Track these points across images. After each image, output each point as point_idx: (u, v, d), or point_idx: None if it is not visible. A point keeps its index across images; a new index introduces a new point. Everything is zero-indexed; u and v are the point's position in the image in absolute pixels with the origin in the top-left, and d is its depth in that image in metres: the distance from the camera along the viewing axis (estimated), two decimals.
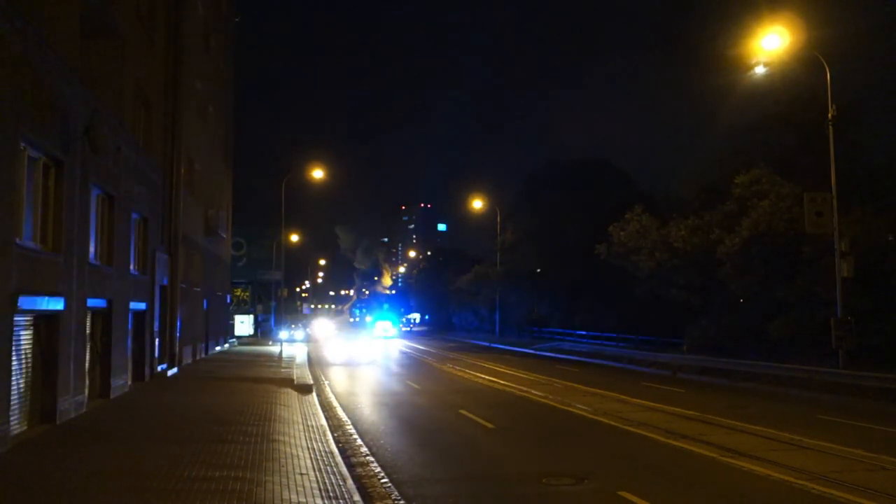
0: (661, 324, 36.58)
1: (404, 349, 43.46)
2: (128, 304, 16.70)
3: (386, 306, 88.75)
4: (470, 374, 25.80)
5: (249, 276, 53.37)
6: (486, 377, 24.25)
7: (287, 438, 11.36)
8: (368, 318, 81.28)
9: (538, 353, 39.40)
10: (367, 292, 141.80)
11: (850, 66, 26.55)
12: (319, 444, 11.33)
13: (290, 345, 41.00)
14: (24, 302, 10.13)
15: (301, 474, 8.95)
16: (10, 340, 9.85)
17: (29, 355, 10.90)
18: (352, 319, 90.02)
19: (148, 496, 7.57)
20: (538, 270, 52.82)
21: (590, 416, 15.20)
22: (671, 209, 36.05)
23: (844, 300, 22.16)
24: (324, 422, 13.68)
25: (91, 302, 13.58)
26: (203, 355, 29.29)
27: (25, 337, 10.72)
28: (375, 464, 10.41)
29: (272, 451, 10.20)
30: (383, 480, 9.36)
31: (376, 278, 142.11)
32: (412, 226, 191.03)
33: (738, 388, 21.98)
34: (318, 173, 40.21)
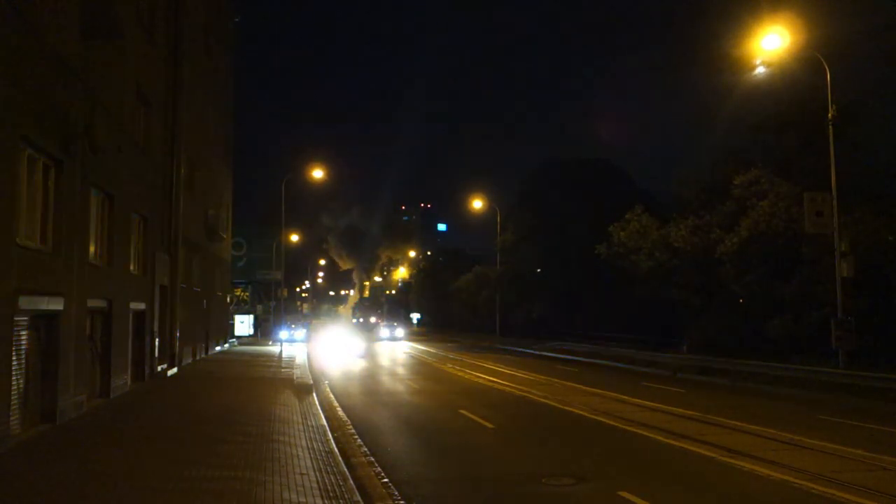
0: (661, 324, 36.60)
1: (404, 349, 43.46)
2: (128, 304, 16.70)
3: (386, 306, 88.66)
4: (470, 374, 25.80)
5: (249, 276, 53.34)
6: (486, 377, 24.25)
7: (287, 438, 11.36)
8: (372, 319, 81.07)
9: (538, 353, 39.39)
10: (367, 293, 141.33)
11: (850, 66, 26.53)
12: (319, 444, 11.33)
13: (290, 345, 40.99)
14: (24, 302, 10.13)
15: (301, 474, 8.95)
16: (10, 340, 9.85)
17: (29, 355, 10.90)
18: (354, 320, 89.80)
19: (148, 496, 7.58)
20: (538, 270, 52.82)
21: (590, 416, 15.20)
22: (671, 209, 36.07)
23: (844, 300, 22.16)
24: (324, 422, 13.68)
25: (91, 302, 13.58)
26: (203, 355, 29.28)
27: (25, 337, 10.72)
28: (375, 464, 10.41)
29: (272, 451, 10.20)
30: (383, 480, 9.36)
31: (378, 278, 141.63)
32: (412, 225, 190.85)
33: (738, 388, 21.97)
34: (318, 173, 40.22)
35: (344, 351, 39.62)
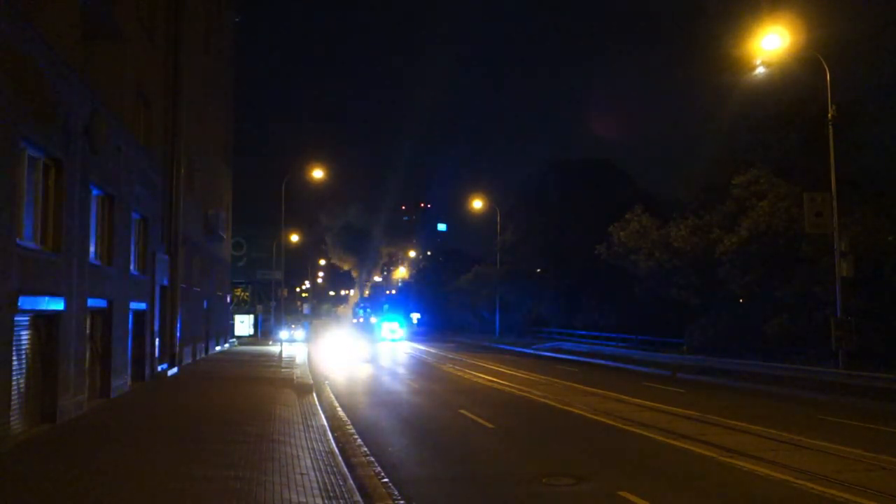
0: (661, 324, 36.60)
1: (405, 349, 43.46)
2: (128, 304, 16.70)
3: (386, 306, 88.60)
4: (470, 374, 25.80)
5: (249, 276, 53.40)
6: (486, 377, 24.25)
7: (287, 438, 11.36)
8: (373, 319, 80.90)
9: (538, 353, 39.39)
10: (367, 293, 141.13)
11: (850, 66, 26.56)
12: (319, 443, 11.33)
13: (290, 345, 41.00)
14: (24, 302, 10.14)
15: (301, 474, 8.95)
16: (11, 340, 9.85)
17: (29, 355, 10.90)
18: (355, 320, 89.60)
19: (148, 496, 7.58)
20: (538, 270, 52.84)
21: (590, 416, 15.20)
22: (671, 209, 36.12)
23: (844, 300, 22.17)
24: (324, 422, 13.68)
25: (91, 302, 13.59)
26: (203, 355, 29.29)
27: (25, 337, 10.73)
28: (375, 464, 10.41)
29: (272, 450, 10.20)
30: (383, 480, 9.36)
31: (378, 278, 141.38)
32: (412, 225, 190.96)
33: (738, 388, 21.97)
34: (318, 173, 40.24)
35: (347, 355, 39.03)
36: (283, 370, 24.24)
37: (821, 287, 24.74)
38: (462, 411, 15.79)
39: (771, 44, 22.55)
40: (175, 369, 21.46)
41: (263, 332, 51.45)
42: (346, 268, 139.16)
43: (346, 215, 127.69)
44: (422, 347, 45.39)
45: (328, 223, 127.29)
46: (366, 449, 11.51)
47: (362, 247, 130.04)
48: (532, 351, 40.67)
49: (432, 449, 12.07)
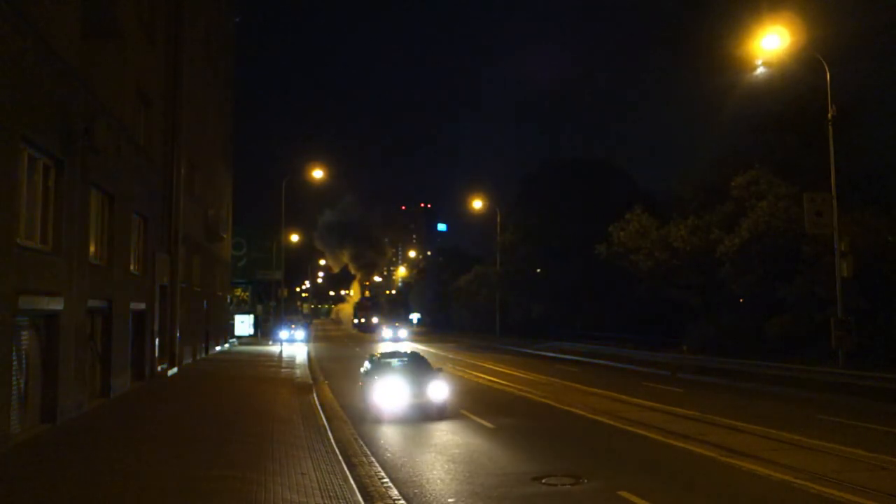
0: (661, 324, 36.61)
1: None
2: (128, 304, 16.69)
3: (387, 306, 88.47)
4: (470, 374, 25.79)
5: (249, 276, 53.32)
6: (486, 377, 24.25)
7: (287, 438, 11.37)
8: (374, 320, 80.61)
9: (538, 352, 39.38)
10: (367, 293, 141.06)
11: (850, 66, 26.58)
12: (319, 444, 11.33)
13: (291, 345, 41.00)
14: (24, 302, 10.13)
15: (301, 474, 8.95)
16: (10, 340, 9.84)
17: (29, 355, 10.90)
18: (356, 320, 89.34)
19: (148, 496, 7.58)
20: (538, 270, 52.83)
21: (589, 415, 15.21)
22: (671, 209, 36.08)
23: (844, 300, 22.16)
24: (324, 422, 13.68)
25: (91, 302, 13.58)
26: (203, 355, 29.28)
27: (25, 337, 10.72)
28: (375, 464, 10.41)
29: (272, 450, 10.21)
30: (383, 480, 9.36)
31: (379, 278, 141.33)
32: (412, 225, 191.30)
33: (737, 388, 21.96)
34: (318, 173, 40.26)
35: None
36: (283, 370, 24.25)
37: (821, 287, 24.73)
38: (462, 411, 15.78)
39: (771, 44, 22.54)
40: (175, 369, 21.45)
41: (263, 332, 51.40)
42: (351, 270, 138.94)
43: (349, 214, 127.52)
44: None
45: (327, 220, 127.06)
46: (366, 449, 11.51)
47: (363, 246, 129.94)
48: (532, 351, 40.66)
49: (432, 449, 12.06)
